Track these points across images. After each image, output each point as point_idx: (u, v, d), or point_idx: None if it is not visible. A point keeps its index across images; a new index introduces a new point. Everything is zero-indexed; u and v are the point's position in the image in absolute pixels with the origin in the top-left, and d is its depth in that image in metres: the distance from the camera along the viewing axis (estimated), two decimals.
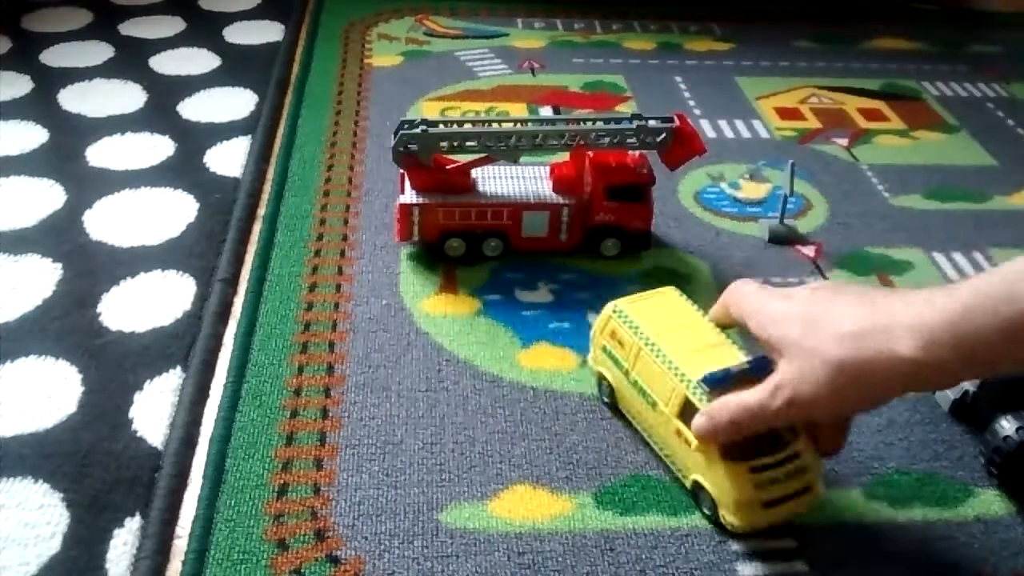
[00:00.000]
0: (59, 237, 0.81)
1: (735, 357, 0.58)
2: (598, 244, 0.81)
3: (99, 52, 1.17)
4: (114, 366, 0.68)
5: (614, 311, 0.63)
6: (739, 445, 0.55)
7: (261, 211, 0.87)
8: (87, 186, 0.89)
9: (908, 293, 0.51)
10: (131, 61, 1.15)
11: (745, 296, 0.58)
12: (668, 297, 0.64)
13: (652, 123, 0.78)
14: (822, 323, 0.51)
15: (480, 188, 0.80)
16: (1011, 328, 0.45)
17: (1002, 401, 0.62)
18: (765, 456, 0.55)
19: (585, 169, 0.80)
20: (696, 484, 0.58)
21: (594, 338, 0.65)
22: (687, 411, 0.56)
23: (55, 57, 1.15)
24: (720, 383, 0.55)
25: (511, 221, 0.79)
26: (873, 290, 0.54)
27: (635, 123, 0.77)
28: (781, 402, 0.51)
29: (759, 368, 0.55)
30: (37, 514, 0.56)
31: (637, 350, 0.60)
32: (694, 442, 0.56)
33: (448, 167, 0.79)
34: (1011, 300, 0.45)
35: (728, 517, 0.56)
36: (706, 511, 0.58)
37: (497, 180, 0.81)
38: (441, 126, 0.77)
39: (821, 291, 0.54)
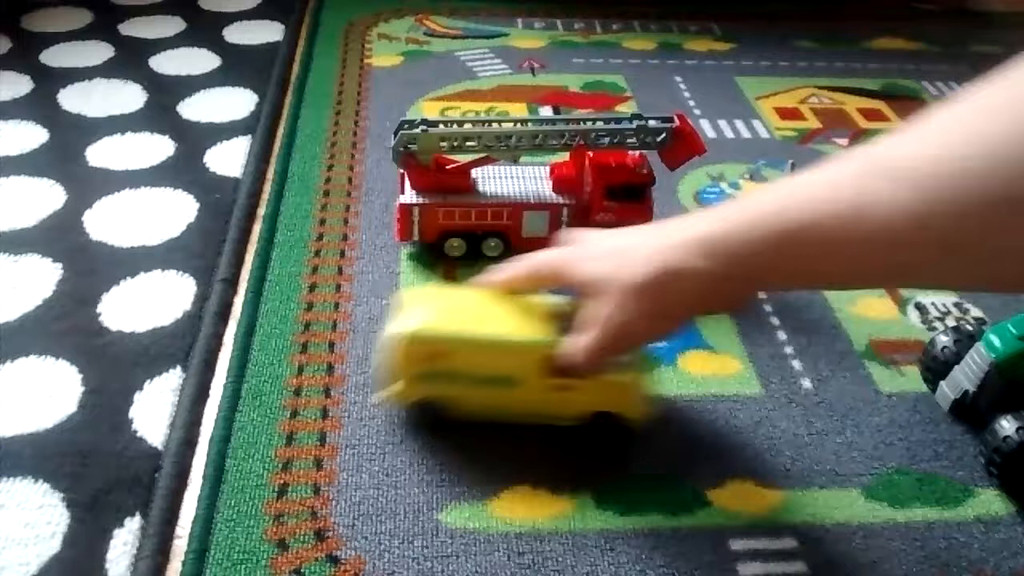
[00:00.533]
0: (59, 237, 0.81)
1: (554, 304, 0.62)
2: None
3: (99, 52, 1.17)
4: (114, 366, 0.68)
5: (414, 336, 0.60)
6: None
7: (261, 211, 0.87)
8: (87, 186, 0.89)
9: (699, 213, 0.54)
10: (131, 61, 1.15)
11: (546, 255, 0.60)
12: (435, 293, 0.68)
13: (652, 123, 0.77)
14: (626, 254, 0.55)
15: (480, 188, 0.80)
16: (779, 240, 0.48)
17: (1002, 401, 0.62)
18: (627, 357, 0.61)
19: (585, 169, 0.80)
20: (596, 416, 0.62)
21: (398, 370, 0.61)
22: (555, 367, 0.59)
23: (55, 57, 1.15)
24: None
25: (511, 221, 0.79)
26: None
27: (635, 123, 0.77)
28: (609, 337, 0.55)
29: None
30: (37, 514, 0.56)
31: (468, 349, 0.60)
32: (583, 383, 0.60)
33: (448, 167, 0.79)
34: (779, 213, 0.48)
35: (634, 416, 0.62)
36: (601, 428, 0.62)
37: (497, 180, 0.81)
38: (441, 126, 0.77)
39: (621, 231, 0.58)
